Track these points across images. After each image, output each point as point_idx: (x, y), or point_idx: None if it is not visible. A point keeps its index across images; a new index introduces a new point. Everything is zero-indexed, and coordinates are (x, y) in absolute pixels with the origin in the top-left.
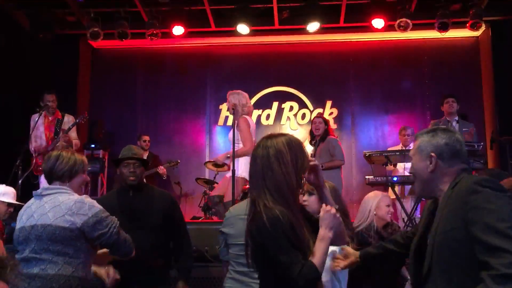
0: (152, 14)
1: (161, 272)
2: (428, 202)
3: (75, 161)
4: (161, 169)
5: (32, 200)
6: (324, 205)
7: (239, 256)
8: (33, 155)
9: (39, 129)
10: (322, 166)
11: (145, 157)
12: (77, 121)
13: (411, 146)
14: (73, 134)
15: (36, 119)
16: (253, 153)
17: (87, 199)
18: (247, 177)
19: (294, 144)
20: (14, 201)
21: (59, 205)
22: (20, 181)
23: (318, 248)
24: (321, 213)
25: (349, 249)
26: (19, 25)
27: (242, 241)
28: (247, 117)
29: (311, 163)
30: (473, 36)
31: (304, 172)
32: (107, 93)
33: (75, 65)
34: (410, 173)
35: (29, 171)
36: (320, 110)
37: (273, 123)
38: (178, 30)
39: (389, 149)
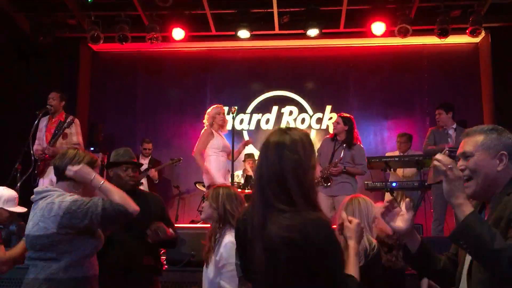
0: (153, 18)
1: (150, 275)
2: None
3: (86, 160)
4: (152, 172)
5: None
6: (348, 216)
7: None
8: (33, 157)
9: (42, 131)
10: (344, 169)
11: (146, 164)
12: (65, 125)
13: (409, 152)
14: (73, 138)
15: (37, 121)
16: (267, 147)
17: (59, 196)
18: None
19: (310, 140)
20: (15, 209)
21: (37, 212)
22: (18, 184)
23: (354, 262)
24: (351, 225)
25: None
26: (19, 28)
27: None
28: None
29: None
30: (473, 43)
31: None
32: (107, 96)
33: (76, 68)
34: (465, 169)
35: (31, 173)
36: (320, 115)
37: (273, 127)
38: (178, 34)
39: (387, 154)
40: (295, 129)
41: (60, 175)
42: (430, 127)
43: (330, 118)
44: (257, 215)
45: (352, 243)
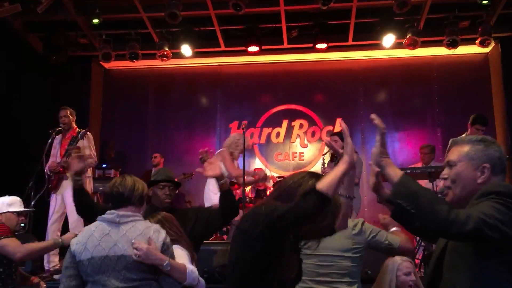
0: (163, 35)
1: None
2: None
3: (146, 188)
4: None
5: (104, 226)
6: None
7: (318, 267)
8: (47, 174)
9: (56, 148)
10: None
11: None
12: (86, 130)
13: (432, 164)
14: (86, 151)
15: (51, 140)
16: None
17: (160, 227)
18: None
19: None
20: (22, 209)
21: (141, 233)
22: (33, 203)
23: (334, 171)
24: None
25: None
26: (32, 48)
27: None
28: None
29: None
30: (483, 53)
31: None
32: (119, 114)
33: (87, 86)
34: (445, 179)
35: (45, 191)
36: (330, 127)
37: (283, 141)
38: (188, 50)
39: (410, 166)
40: None
41: (134, 203)
42: (448, 138)
43: (341, 130)
44: None
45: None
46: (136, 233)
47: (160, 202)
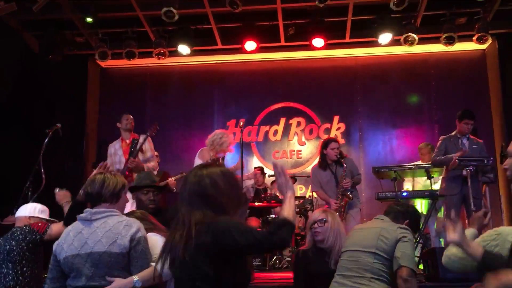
0: (159, 34)
1: None
2: None
3: (122, 183)
4: (171, 181)
5: (79, 225)
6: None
7: (347, 262)
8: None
9: (118, 154)
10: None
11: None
12: (147, 134)
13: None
14: (148, 154)
15: (47, 138)
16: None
17: (135, 220)
18: None
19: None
20: (49, 218)
21: (110, 229)
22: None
23: (288, 205)
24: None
25: None
26: (29, 47)
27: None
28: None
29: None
30: (480, 49)
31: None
32: (116, 112)
33: (84, 85)
34: (507, 169)
35: (42, 190)
36: (327, 125)
37: (281, 139)
38: (185, 48)
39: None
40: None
41: (108, 199)
42: (440, 136)
43: (338, 128)
44: None
45: (288, 191)
46: (105, 229)
47: (144, 207)
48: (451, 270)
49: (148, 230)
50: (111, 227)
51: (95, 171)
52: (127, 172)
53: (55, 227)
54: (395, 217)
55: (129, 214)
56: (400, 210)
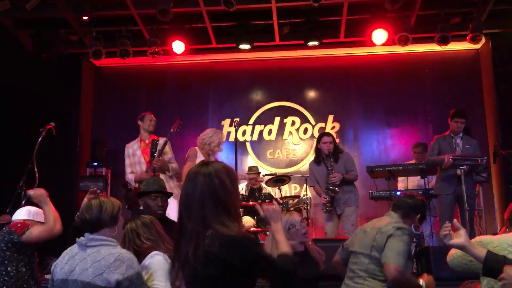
0: (154, 32)
1: None
2: None
3: (118, 205)
4: None
5: (75, 249)
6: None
7: (350, 263)
8: (132, 186)
9: (136, 154)
10: (343, 177)
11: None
12: (169, 134)
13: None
14: (169, 155)
15: (40, 137)
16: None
17: (128, 255)
18: None
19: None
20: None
21: (100, 260)
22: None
23: (282, 240)
24: (263, 212)
25: None
26: (22, 46)
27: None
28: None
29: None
30: (474, 49)
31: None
32: (110, 111)
33: (78, 84)
34: None
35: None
36: (322, 124)
37: (275, 138)
38: (179, 47)
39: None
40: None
41: (107, 225)
42: (434, 135)
43: (333, 127)
44: None
45: (273, 225)
46: (95, 259)
47: (153, 213)
48: (456, 270)
49: (152, 241)
50: (102, 258)
51: (86, 197)
52: (152, 173)
53: (36, 230)
54: (406, 213)
55: (138, 218)
56: (411, 204)
